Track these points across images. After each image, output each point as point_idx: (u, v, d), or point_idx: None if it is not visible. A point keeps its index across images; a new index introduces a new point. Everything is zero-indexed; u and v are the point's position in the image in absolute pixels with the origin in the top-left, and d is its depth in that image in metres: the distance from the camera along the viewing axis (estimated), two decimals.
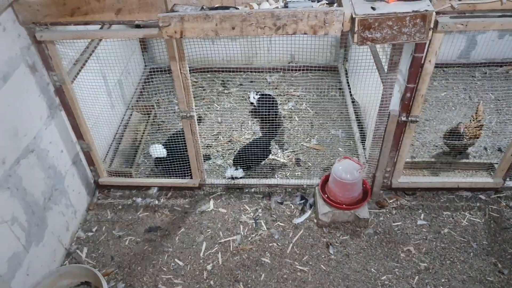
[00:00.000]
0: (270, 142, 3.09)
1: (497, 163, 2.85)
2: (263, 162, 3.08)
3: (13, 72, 2.08)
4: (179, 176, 2.89)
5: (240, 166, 2.93)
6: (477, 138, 2.94)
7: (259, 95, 3.50)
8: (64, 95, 2.43)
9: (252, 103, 3.50)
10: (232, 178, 2.94)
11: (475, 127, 2.92)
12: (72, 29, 2.26)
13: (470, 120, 3.00)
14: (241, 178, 2.94)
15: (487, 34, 3.78)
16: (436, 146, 3.20)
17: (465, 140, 2.90)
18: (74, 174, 2.69)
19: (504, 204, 2.81)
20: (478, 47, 3.86)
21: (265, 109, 3.34)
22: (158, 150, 2.91)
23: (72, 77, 2.44)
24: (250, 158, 2.91)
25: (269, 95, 3.52)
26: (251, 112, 3.63)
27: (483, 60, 3.90)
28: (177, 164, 2.84)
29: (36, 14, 2.08)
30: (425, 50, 2.11)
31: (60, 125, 2.51)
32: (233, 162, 2.97)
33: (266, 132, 3.16)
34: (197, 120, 3.14)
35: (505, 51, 3.83)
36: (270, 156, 3.13)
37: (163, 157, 2.92)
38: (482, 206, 2.80)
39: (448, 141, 2.96)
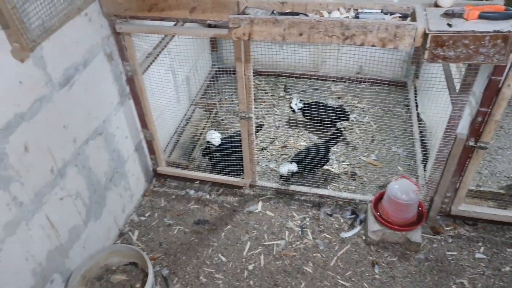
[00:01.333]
0: (329, 149, 3.05)
1: None
2: (319, 168, 3.05)
3: (93, 59, 2.26)
4: (227, 173, 2.96)
5: (297, 163, 2.92)
6: None
7: (303, 103, 3.40)
8: (134, 84, 2.58)
9: (292, 109, 3.41)
10: (285, 177, 2.94)
11: None
12: (148, 24, 2.41)
13: None
14: (293, 173, 2.93)
15: None
16: (508, 177, 2.96)
17: None
18: (135, 160, 2.86)
19: None
20: None
21: (310, 117, 3.28)
22: (214, 136, 2.98)
23: (143, 69, 2.60)
24: (309, 161, 2.90)
25: (320, 102, 3.43)
26: (290, 119, 3.59)
27: None
28: (228, 161, 2.90)
29: (118, 7, 2.24)
30: (505, 73, 1.96)
31: (127, 113, 2.67)
32: (292, 160, 2.97)
33: (327, 139, 3.13)
34: (259, 126, 3.25)
35: None
36: (325, 166, 3.09)
37: (215, 147, 2.98)
38: None
39: None
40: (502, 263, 2.48)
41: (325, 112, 3.23)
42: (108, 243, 2.64)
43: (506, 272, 2.43)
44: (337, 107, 3.36)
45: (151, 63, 2.68)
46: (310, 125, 3.49)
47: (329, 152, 3.04)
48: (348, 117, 3.38)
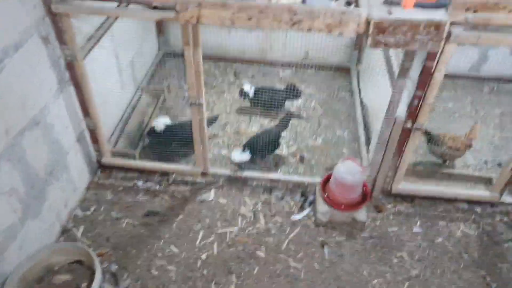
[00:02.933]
0: (280, 134, 3.10)
1: (495, 178, 2.86)
2: (272, 154, 3.10)
3: (25, 42, 2.08)
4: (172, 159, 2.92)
5: (249, 151, 2.95)
6: (459, 152, 2.97)
7: (254, 88, 3.43)
8: (74, 70, 2.43)
9: (245, 94, 3.41)
10: (237, 164, 2.95)
11: (462, 142, 2.94)
12: (88, 4, 2.26)
13: (465, 135, 3.01)
14: (245, 161, 2.96)
15: (499, 50, 3.77)
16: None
17: (443, 148, 2.93)
18: (77, 151, 2.71)
19: (499, 219, 2.82)
20: (489, 62, 3.86)
21: (260, 102, 3.31)
22: (159, 122, 2.93)
23: (84, 53, 2.44)
24: (261, 146, 2.93)
25: (268, 87, 3.47)
26: (241, 108, 3.58)
27: (493, 75, 3.89)
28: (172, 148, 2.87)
29: None
30: (437, 59, 2.11)
31: (68, 100, 2.51)
32: (243, 146, 2.99)
33: (278, 124, 3.18)
34: (213, 119, 3.22)
35: None
36: (277, 151, 3.15)
37: (160, 133, 2.94)
38: (477, 219, 2.81)
39: (428, 145, 3.03)
40: (435, 235, 2.71)
41: (274, 94, 3.28)
42: (50, 241, 2.49)
43: (439, 243, 2.66)
44: (286, 87, 3.42)
45: (92, 47, 2.52)
46: (260, 109, 3.50)
47: (280, 137, 3.09)
48: (300, 94, 3.45)
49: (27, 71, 2.12)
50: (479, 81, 3.92)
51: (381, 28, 1.81)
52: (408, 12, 1.82)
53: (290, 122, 3.24)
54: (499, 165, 3.15)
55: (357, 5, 1.92)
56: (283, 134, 3.19)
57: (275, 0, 1.98)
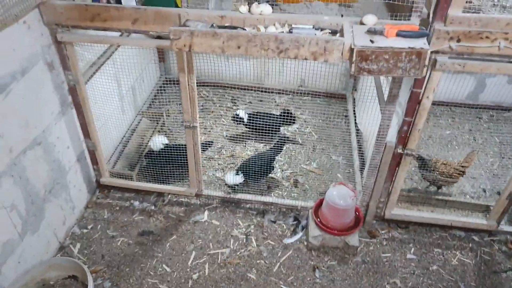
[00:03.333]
0: (274, 158, 3.16)
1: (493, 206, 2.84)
2: (265, 178, 3.14)
3: (32, 67, 2.22)
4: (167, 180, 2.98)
5: (243, 173, 3.01)
6: (452, 179, 2.95)
7: (248, 114, 3.48)
8: (76, 94, 2.56)
9: (238, 119, 3.47)
10: (231, 186, 3.01)
11: (455, 169, 2.92)
12: (91, 33, 2.41)
13: (458, 161, 3.00)
14: (239, 184, 3.01)
15: (496, 78, 3.81)
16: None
17: (435, 174, 2.92)
18: (77, 171, 2.80)
19: (497, 247, 2.78)
20: (487, 89, 3.89)
21: (254, 127, 3.37)
22: (156, 141, 3.02)
23: (86, 78, 2.58)
24: (254, 170, 2.99)
25: (263, 113, 3.55)
26: (236, 135, 3.62)
27: (491, 103, 3.91)
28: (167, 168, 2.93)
29: (59, 16, 2.23)
30: (424, 86, 2.17)
31: (69, 122, 2.63)
32: (237, 170, 3.05)
33: (272, 148, 3.24)
34: (208, 143, 3.31)
35: None
36: (271, 174, 3.19)
37: (158, 152, 3.03)
38: (474, 247, 2.77)
39: (421, 170, 3.01)
40: (430, 262, 2.67)
41: (268, 120, 3.35)
42: (47, 257, 2.55)
43: (434, 271, 2.63)
44: (280, 114, 3.50)
45: (94, 73, 2.67)
46: (255, 134, 3.57)
47: (273, 160, 3.14)
48: (294, 120, 3.51)
49: (31, 94, 2.25)
50: (477, 109, 3.94)
51: (364, 56, 1.88)
52: (390, 41, 1.89)
53: (285, 146, 3.29)
54: (498, 193, 3.12)
55: (341, 35, 2.01)
56: (277, 158, 3.24)
57: (264, 30, 2.09)
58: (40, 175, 2.40)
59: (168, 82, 4.08)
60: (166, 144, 3.08)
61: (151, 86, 4.07)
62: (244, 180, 3.02)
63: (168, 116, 3.78)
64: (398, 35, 1.90)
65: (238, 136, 3.65)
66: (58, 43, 2.35)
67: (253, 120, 3.37)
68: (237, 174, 3.00)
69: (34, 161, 2.33)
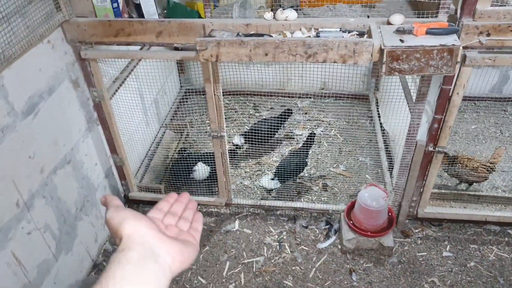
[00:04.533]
0: (307, 153, 3.15)
1: None
2: (300, 174, 3.14)
3: (58, 86, 2.24)
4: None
5: (278, 178, 3.00)
6: (480, 174, 2.86)
7: (244, 135, 3.38)
8: (102, 110, 2.56)
9: (237, 146, 3.36)
10: (268, 190, 3.00)
11: (483, 165, 2.85)
12: (114, 49, 2.42)
13: (486, 157, 2.94)
14: (275, 189, 3.00)
15: None
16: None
17: (461, 168, 2.85)
18: (106, 187, 2.81)
19: None
20: (511, 82, 3.82)
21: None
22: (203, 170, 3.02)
23: (111, 94, 2.58)
24: (290, 170, 3.00)
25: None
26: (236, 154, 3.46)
27: None
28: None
29: (83, 33, 2.24)
30: (453, 82, 2.14)
31: (96, 139, 2.64)
32: (274, 174, 3.05)
33: (303, 145, 3.23)
34: (235, 148, 3.29)
35: None
36: (298, 180, 3.18)
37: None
38: (511, 242, 2.72)
39: (445, 166, 2.91)
40: (467, 259, 2.63)
41: (263, 127, 3.29)
42: (81, 275, 2.55)
43: (472, 267, 2.58)
44: (281, 113, 3.47)
45: (118, 88, 2.68)
46: (261, 145, 3.41)
47: (307, 156, 3.14)
48: (291, 112, 3.48)
49: (59, 113, 2.26)
50: (502, 102, 3.88)
51: (394, 56, 1.86)
52: (420, 39, 1.87)
53: (314, 139, 3.27)
54: None
55: (369, 36, 1.99)
56: (310, 152, 3.21)
57: (290, 35, 2.08)
58: (70, 193, 2.41)
59: (190, 93, 4.09)
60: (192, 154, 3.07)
61: (173, 98, 4.09)
62: (280, 182, 3.02)
63: (192, 126, 3.79)
64: (427, 33, 1.87)
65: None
66: (82, 60, 2.36)
67: (251, 135, 3.26)
68: (272, 179, 2.99)
69: (64, 179, 2.34)
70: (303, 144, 3.24)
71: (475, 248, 2.68)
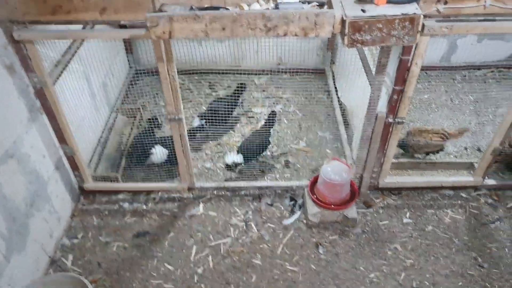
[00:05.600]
0: (269, 132, 3.11)
1: (476, 162, 2.93)
2: (263, 153, 3.09)
3: None
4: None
5: (243, 155, 2.95)
6: (436, 143, 2.98)
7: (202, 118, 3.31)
8: (45, 97, 2.34)
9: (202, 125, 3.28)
10: (231, 166, 2.94)
11: (436, 133, 2.97)
12: (52, 29, 2.18)
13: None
14: (239, 164, 2.94)
15: (467, 38, 3.89)
16: None
17: (412, 138, 2.96)
18: (57, 180, 2.61)
19: (483, 201, 2.90)
20: (459, 51, 3.97)
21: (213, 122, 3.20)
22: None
23: (53, 79, 2.35)
24: (253, 148, 2.95)
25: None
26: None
27: (463, 64, 4.01)
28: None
29: (13, 11, 1.99)
30: (412, 53, 2.15)
31: (41, 129, 2.42)
32: (237, 150, 2.98)
33: (265, 123, 3.18)
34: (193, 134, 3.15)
35: (483, 55, 3.94)
36: (260, 158, 3.14)
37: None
38: (463, 204, 2.88)
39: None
40: (425, 224, 2.75)
41: (220, 106, 3.24)
42: (38, 274, 2.39)
43: (430, 231, 2.71)
44: (235, 89, 3.41)
45: (61, 72, 2.44)
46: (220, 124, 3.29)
47: (269, 135, 3.10)
48: (245, 86, 3.43)
49: None
50: (450, 71, 4.03)
51: (356, 27, 1.82)
52: (382, 9, 1.84)
53: (275, 118, 3.23)
54: (479, 150, 3.23)
55: (330, 7, 1.93)
56: (271, 131, 3.18)
57: (247, 8, 1.97)
58: (18, 189, 2.21)
59: (140, 74, 3.86)
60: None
61: (122, 80, 3.84)
62: (244, 161, 2.95)
63: (145, 110, 3.60)
64: (388, 1, 1.84)
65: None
66: (15, 42, 2.10)
67: (209, 116, 3.20)
68: (237, 154, 2.93)
69: (9, 175, 2.13)
70: (265, 123, 3.19)
71: (432, 213, 2.81)
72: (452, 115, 3.58)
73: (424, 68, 3.94)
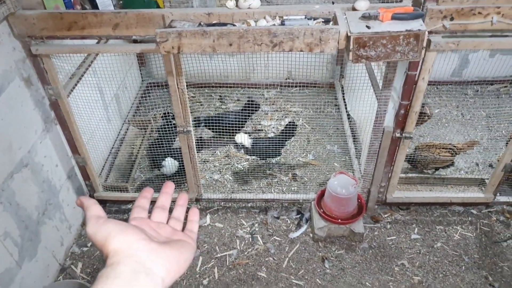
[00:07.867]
0: (284, 143, 3.11)
1: (488, 179, 2.89)
2: (271, 159, 3.11)
3: (7, 85, 2.08)
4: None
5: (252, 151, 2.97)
6: (445, 158, 2.93)
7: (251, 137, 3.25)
8: (59, 109, 2.42)
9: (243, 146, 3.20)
10: (238, 145, 2.96)
11: (445, 148, 2.93)
12: (68, 43, 2.27)
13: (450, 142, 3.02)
14: (248, 148, 2.96)
15: (478, 53, 3.86)
16: None
17: (419, 153, 2.92)
18: (69, 189, 2.68)
19: (495, 218, 2.84)
20: (470, 65, 3.95)
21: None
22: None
23: (68, 91, 2.44)
24: (263, 151, 2.98)
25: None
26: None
27: (475, 78, 3.97)
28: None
29: (32, 27, 2.08)
30: (419, 68, 2.16)
31: (55, 139, 2.50)
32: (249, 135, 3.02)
33: (282, 132, 3.17)
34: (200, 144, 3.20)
35: (496, 69, 3.91)
36: (268, 171, 3.15)
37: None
38: (474, 221, 2.83)
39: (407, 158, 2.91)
40: (433, 240, 2.71)
41: (224, 119, 3.25)
42: (48, 281, 2.44)
43: (438, 248, 2.66)
44: (244, 105, 3.42)
45: (75, 85, 2.53)
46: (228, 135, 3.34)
47: (283, 146, 3.10)
48: (258, 106, 3.43)
49: (11, 114, 2.11)
50: (462, 86, 4.00)
51: (361, 43, 1.84)
52: (386, 25, 1.86)
53: (295, 131, 3.21)
54: (491, 166, 3.18)
55: (335, 23, 1.96)
56: (287, 143, 3.18)
57: (254, 24, 2.02)
58: (30, 197, 2.28)
59: (152, 87, 3.95)
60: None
61: (135, 93, 3.93)
62: (251, 149, 2.97)
63: (156, 121, 3.67)
64: (393, 18, 1.86)
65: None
66: (33, 56, 2.19)
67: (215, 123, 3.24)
68: (249, 137, 2.95)
69: (22, 184, 2.20)
70: (282, 132, 3.14)
71: (441, 229, 2.77)
72: (463, 130, 3.54)
73: (434, 83, 3.94)
